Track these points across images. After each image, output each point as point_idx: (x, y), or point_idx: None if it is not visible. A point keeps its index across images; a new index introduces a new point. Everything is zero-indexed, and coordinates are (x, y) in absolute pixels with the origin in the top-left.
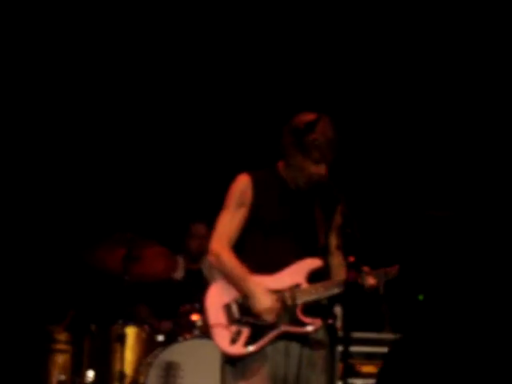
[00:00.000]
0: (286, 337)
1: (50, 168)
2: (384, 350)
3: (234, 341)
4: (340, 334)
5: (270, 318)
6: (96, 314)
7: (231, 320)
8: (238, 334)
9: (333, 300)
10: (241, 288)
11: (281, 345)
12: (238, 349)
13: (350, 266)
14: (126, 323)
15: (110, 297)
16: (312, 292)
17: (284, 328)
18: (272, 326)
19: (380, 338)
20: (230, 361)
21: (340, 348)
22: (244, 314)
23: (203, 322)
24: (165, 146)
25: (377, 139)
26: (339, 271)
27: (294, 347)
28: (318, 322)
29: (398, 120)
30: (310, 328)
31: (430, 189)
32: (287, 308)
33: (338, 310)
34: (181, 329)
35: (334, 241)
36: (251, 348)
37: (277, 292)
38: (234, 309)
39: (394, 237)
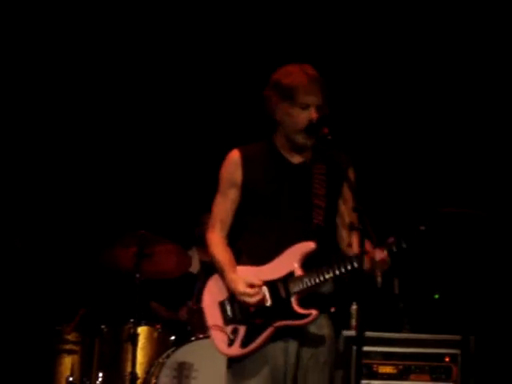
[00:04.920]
0: (284, 334)
1: (60, 169)
2: (402, 350)
3: (231, 341)
4: (354, 333)
5: (249, 299)
6: (107, 314)
7: (226, 319)
8: (235, 333)
9: (344, 293)
10: (224, 282)
11: (280, 343)
12: (235, 350)
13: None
14: (138, 323)
15: (122, 296)
16: (304, 280)
17: (279, 323)
18: (266, 323)
19: (398, 337)
20: (228, 363)
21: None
22: (238, 311)
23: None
24: (167, 141)
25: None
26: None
27: (293, 346)
28: (313, 314)
29: (409, 118)
30: (303, 321)
31: (436, 185)
32: (281, 300)
33: (353, 308)
34: (194, 328)
35: (343, 220)
36: (248, 348)
37: (270, 283)
38: (228, 307)
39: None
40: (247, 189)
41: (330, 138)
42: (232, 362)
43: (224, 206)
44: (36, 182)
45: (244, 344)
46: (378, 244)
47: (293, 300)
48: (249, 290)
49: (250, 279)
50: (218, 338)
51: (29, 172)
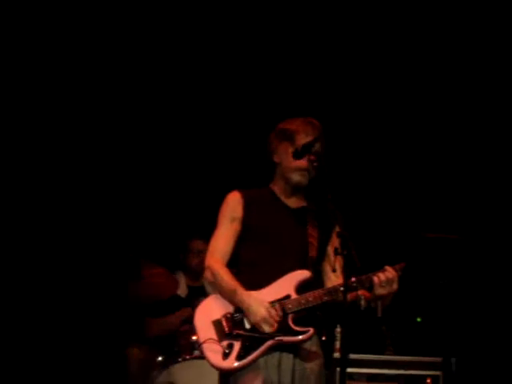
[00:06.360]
0: (278, 348)
1: (49, 191)
2: (385, 371)
3: (226, 355)
4: (338, 355)
5: (268, 328)
6: (96, 335)
7: (222, 335)
8: (230, 347)
9: (333, 320)
10: (234, 301)
11: (273, 357)
12: (230, 363)
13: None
14: (126, 344)
15: (111, 317)
16: (301, 302)
17: (276, 338)
18: (264, 338)
19: (381, 359)
20: (223, 379)
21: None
22: (234, 327)
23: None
24: (162, 167)
25: (375, 160)
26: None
27: (287, 359)
28: (310, 331)
29: (396, 138)
30: (301, 336)
31: (423, 209)
32: (279, 318)
33: (337, 330)
34: (180, 349)
35: (329, 264)
36: (244, 361)
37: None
38: (224, 324)
39: (389, 258)
40: (247, 224)
41: (316, 164)
42: (224, 377)
43: (225, 238)
44: (22, 207)
45: (240, 357)
46: (361, 269)
47: (289, 319)
48: (271, 320)
49: (270, 306)
50: (212, 350)
51: (12, 198)
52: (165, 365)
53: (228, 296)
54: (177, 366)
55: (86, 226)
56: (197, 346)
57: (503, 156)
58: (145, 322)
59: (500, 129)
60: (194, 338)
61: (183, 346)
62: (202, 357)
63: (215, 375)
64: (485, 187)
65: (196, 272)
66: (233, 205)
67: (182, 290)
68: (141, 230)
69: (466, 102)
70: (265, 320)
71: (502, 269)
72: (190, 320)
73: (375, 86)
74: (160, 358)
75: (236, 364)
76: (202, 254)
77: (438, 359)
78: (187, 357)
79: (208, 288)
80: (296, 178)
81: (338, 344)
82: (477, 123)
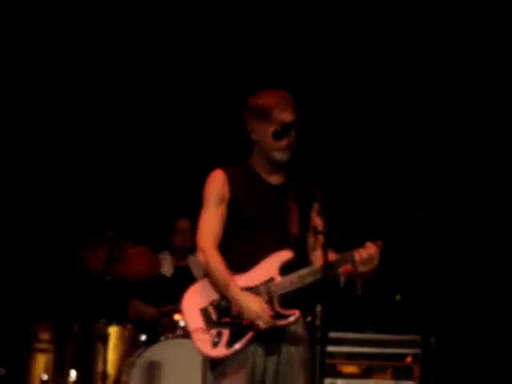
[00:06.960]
0: (266, 334)
1: (33, 169)
2: (365, 350)
3: (215, 344)
4: (319, 333)
5: (263, 324)
6: (79, 314)
7: (210, 323)
8: (219, 336)
9: (313, 298)
10: (224, 294)
11: (260, 342)
12: (220, 351)
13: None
14: (109, 322)
15: (93, 296)
16: (286, 284)
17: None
18: (252, 324)
19: (362, 338)
20: (210, 365)
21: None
22: (222, 315)
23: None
24: (142, 144)
25: (359, 137)
26: None
27: (273, 343)
28: (297, 313)
29: (380, 117)
30: (289, 320)
31: (406, 187)
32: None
33: (318, 309)
34: (163, 328)
35: (312, 242)
36: (234, 348)
37: (251, 289)
38: (211, 311)
39: (370, 235)
40: (234, 205)
41: (295, 144)
42: (214, 363)
43: (215, 220)
44: (7, 183)
45: (229, 345)
46: (340, 246)
47: (275, 302)
48: (266, 316)
49: (263, 302)
50: (202, 340)
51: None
52: (148, 343)
53: (219, 288)
54: (160, 344)
55: (70, 203)
56: (179, 325)
57: (485, 136)
58: (127, 301)
59: (479, 108)
60: (177, 317)
61: (166, 326)
62: (185, 336)
63: (197, 354)
64: (468, 166)
65: (181, 251)
66: (219, 184)
67: (168, 270)
68: (125, 210)
69: (444, 85)
70: (258, 317)
71: (482, 248)
72: (169, 315)
73: (352, 61)
74: (143, 337)
75: (226, 352)
76: (187, 233)
77: (418, 337)
78: (170, 336)
79: (194, 268)
80: (278, 156)
81: (318, 322)
82: (455, 103)
